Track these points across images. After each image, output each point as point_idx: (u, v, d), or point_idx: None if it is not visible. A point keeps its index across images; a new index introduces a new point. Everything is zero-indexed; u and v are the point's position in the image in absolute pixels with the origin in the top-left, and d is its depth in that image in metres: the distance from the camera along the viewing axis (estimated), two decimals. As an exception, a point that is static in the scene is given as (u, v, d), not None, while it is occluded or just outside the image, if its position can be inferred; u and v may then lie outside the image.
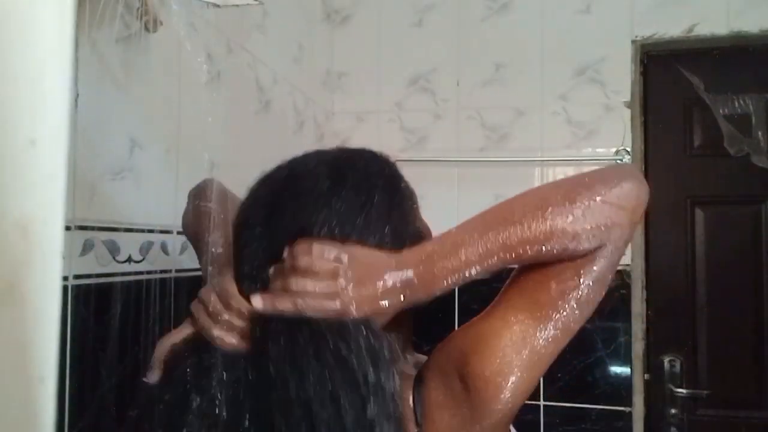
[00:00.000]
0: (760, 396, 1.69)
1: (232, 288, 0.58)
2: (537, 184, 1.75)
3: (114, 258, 0.92)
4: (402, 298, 0.55)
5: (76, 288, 0.83)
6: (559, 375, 1.75)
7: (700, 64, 1.76)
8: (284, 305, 0.54)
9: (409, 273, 0.54)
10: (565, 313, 0.55)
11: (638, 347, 1.74)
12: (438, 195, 1.73)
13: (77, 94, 0.83)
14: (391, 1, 1.96)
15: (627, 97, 1.78)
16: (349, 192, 0.59)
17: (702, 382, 1.72)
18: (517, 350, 0.54)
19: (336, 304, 0.53)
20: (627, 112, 1.78)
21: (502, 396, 0.53)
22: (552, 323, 0.55)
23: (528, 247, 0.53)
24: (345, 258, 0.54)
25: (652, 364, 1.74)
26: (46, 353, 0.27)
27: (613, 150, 1.78)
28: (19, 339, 0.26)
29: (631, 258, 1.75)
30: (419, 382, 0.57)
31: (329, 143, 1.47)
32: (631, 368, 1.74)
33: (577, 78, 1.82)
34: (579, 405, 1.74)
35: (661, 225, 1.78)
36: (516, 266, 0.58)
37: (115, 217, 0.93)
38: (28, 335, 0.26)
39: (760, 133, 1.69)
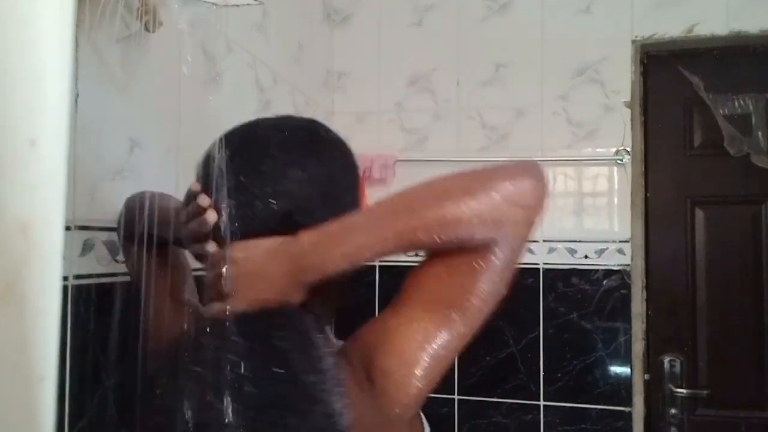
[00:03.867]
0: (760, 396, 1.69)
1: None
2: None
3: (114, 258, 0.92)
4: (295, 280, 0.57)
5: (76, 288, 0.83)
6: (559, 375, 1.75)
7: (700, 64, 1.76)
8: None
9: (300, 255, 0.57)
10: (463, 308, 0.56)
11: (638, 347, 1.74)
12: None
13: (77, 94, 0.83)
14: (391, 1, 1.96)
15: (627, 97, 1.78)
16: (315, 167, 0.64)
17: (702, 382, 1.72)
18: (419, 346, 0.55)
19: (223, 308, 0.58)
20: (627, 112, 1.78)
21: (406, 394, 0.55)
22: (450, 317, 0.56)
23: (420, 234, 0.54)
24: (227, 265, 0.58)
25: (652, 364, 1.74)
26: (45, 353, 0.27)
27: (613, 150, 1.78)
28: (19, 339, 0.26)
29: (631, 258, 1.75)
30: None
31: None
32: (631, 368, 1.73)
33: (577, 78, 1.82)
34: (579, 405, 1.74)
35: (661, 225, 1.77)
36: (416, 253, 0.59)
37: (115, 217, 0.93)
38: (28, 335, 0.26)
39: (760, 133, 1.69)
